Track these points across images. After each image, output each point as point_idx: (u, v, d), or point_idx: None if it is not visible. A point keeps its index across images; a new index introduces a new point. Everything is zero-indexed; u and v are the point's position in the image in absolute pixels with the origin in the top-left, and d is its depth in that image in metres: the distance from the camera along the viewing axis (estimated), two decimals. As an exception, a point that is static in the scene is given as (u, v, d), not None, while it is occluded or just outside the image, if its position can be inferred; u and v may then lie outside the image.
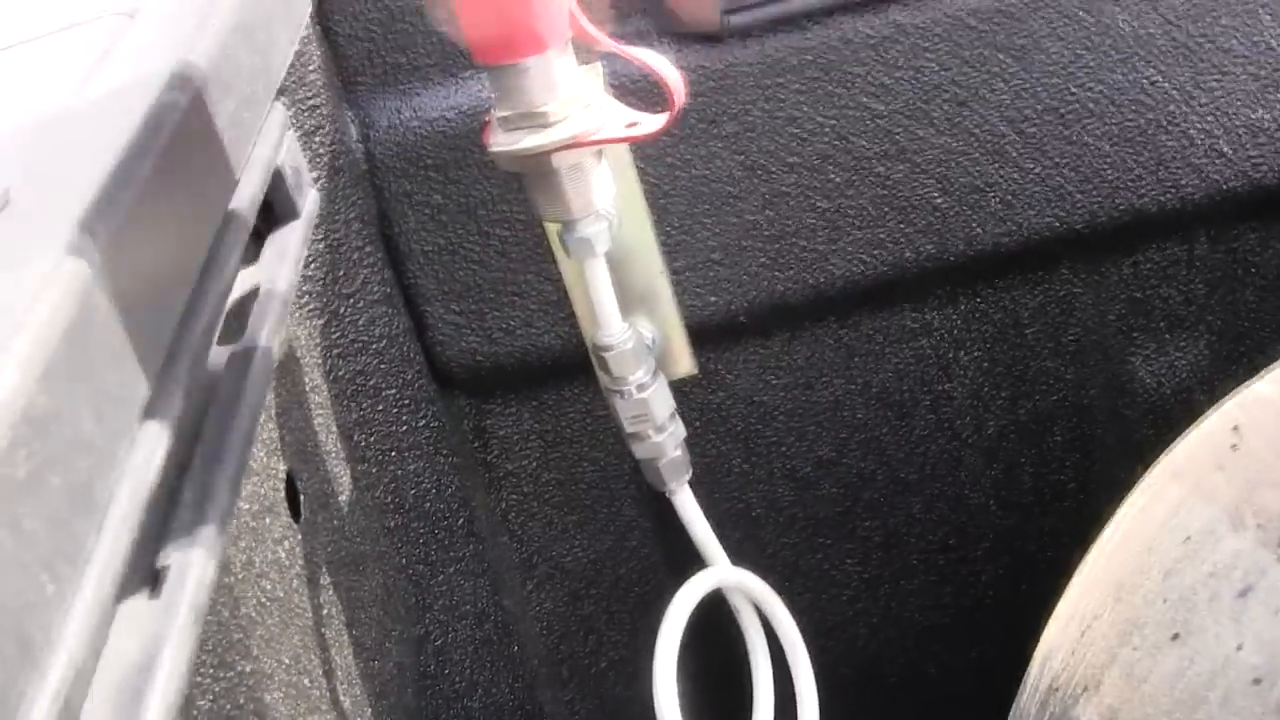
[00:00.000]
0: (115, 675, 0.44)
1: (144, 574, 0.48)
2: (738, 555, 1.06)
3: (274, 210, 0.72)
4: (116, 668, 0.44)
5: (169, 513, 0.52)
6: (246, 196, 0.66)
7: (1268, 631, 0.61)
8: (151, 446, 0.48)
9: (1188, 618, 0.65)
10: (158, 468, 0.48)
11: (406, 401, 0.98)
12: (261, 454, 0.72)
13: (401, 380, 0.97)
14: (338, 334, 0.92)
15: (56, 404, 0.41)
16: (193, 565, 0.48)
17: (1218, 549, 0.66)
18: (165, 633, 0.45)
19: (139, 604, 0.47)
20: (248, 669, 0.66)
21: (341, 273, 0.93)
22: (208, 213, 0.60)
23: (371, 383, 0.95)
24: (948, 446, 1.15)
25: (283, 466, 0.77)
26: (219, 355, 0.61)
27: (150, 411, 0.49)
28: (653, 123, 0.85)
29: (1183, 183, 1.02)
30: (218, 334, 0.61)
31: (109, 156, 0.52)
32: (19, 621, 0.37)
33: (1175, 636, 0.65)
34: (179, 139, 0.56)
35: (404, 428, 0.98)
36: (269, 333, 0.63)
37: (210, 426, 0.56)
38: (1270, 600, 0.62)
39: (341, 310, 0.93)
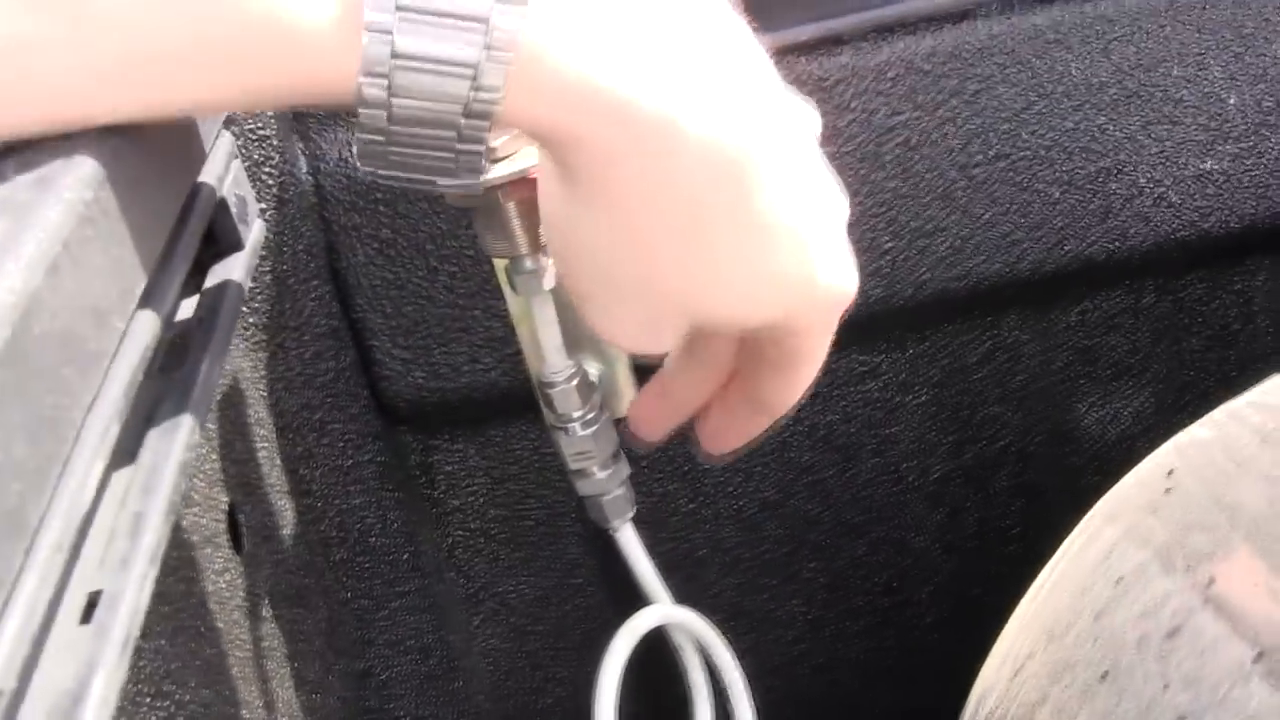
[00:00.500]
0: (45, 702, 0.43)
1: (75, 601, 0.48)
2: (682, 595, 1.06)
3: (218, 240, 0.72)
4: (47, 694, 0.44)
5: (103, 540, 0.51)
6: (190, 225, 0.66)
7: (1194, 672, 0.62)
8: (84, 472, 0.48)
9: (1117, 658, 0.66)
10: (90, 493, 0.48)
11: (352, 436, 0.98)
12: (203, 485, 0.72)
13: (347, 414, 0.97)
14: (283, 367, 0.92)
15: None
16: (125, 592, 0.48)
17: (1148, 590, 0.67)
18: (97, 660, 0.45)
19: (69, 631, 0.47)
20: (185, 699, 0.66)
21: (288, 305, 0.93)
22: (150, 240, 0.60)
23: (317, 416, 0.95)
24: (893, 490, 1.16)
25: (225, 498, 0.77)
26: (158, 384, 0.61)
27: (84, 436, 0.49)
28: (600, 161, 0.85)
29: (1130, 231, 1.03)
30: (158, 363, 0.61)
31: (47, 177, 0.52)
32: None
33: (1104, 676, 0.66)
34: (121, 163, 0.56)
35: (349, 462, 0.98)
36: (209, 364, 0.63)
37: (147, 454, 0.56)
38: (1197, 641, 0.63)
39: (287, 343, 0.93)
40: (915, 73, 0.97)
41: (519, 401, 1.04)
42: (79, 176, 0.53)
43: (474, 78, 0.51)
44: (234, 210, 0.73)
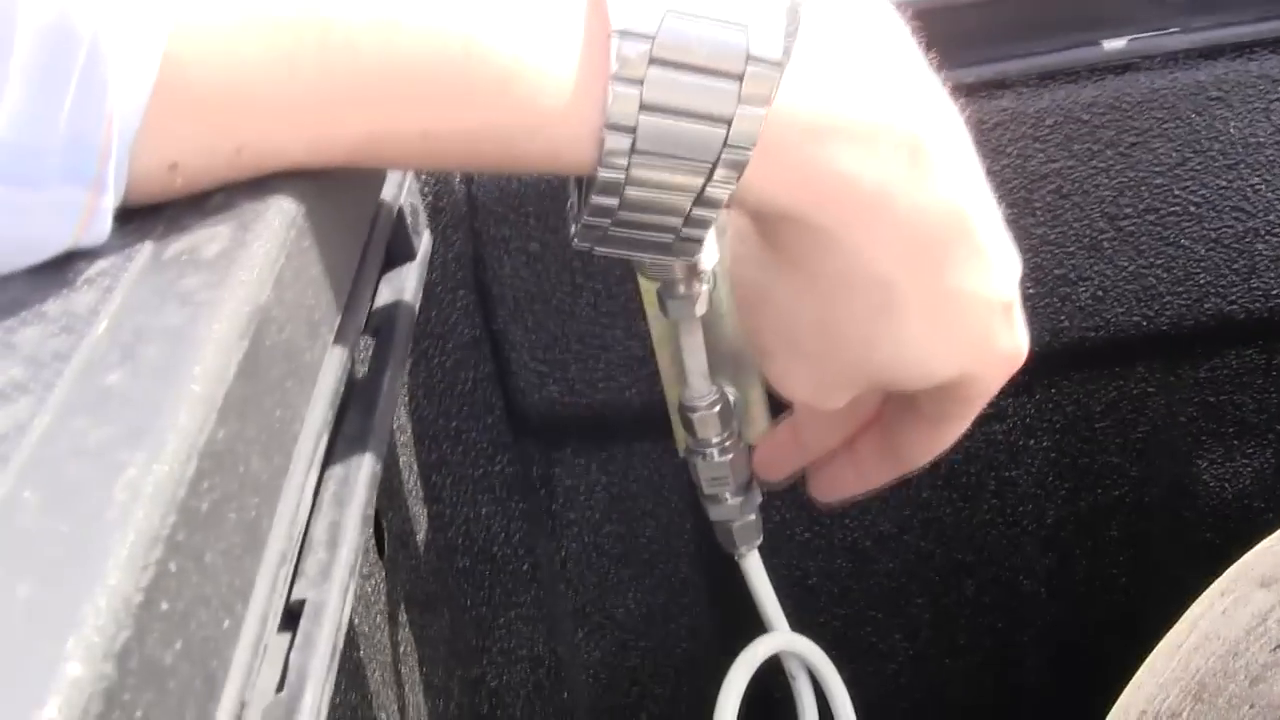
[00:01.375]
0: (258, 711, 0.44)
1: (276, 607, 0.49)
2: (790, 621, 1.07)
3: (392, 249, 0.73)
4: (260, 702, 0.44)
5: (299, 547, 0.52)
6: (377, 235, 0.67)
7: (1364, 750, 0.62)
8: (301, 484, 0.49)
9: (1279, 728, 0.66)
10: (307, 506, 0.49)
11: (485, 445, 0.98)
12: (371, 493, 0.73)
13: (482, 424, 0.98)
14: (425, 374, 0.93)
15: (231, 439, 0.42)
16: (329, 602, 0.49)
17: (1312, 663, 0.67)
18: (306, 668, 0.46)
19: (276, 639, 0.48)
20: (337, 701, 0.66)
21: (433, 313, 0.93)
22: (349, 250, 0.61)
23: (453, 425, 0.96)
24: (1008, 532, 1.16)
25: (373, 503, 0.77)
26: (345, 394, 0.61)
27: (299, 450, 0.49)
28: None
29: (1273, 292, 1.03)
30: (348, 371, 0.61)
31: (264, 186, 0.53)
32: (205, 656, 0.38)
33: (1264, 745, 0.66)
34: (326, 173, 0.57)
35: (480, 471, 0.99)
36: (392, 373, 0.64)
37: (338, 465, 0.57)
38: (1367, 719, 0.62)
39: (430, 351, 0.93)
40: (1073, 121, 0.97)
41: (646, 422, 1.05)
42: (292, 189, 0.54)
43: (710, 170, 0.51)
44: (409, 220, 0.74)
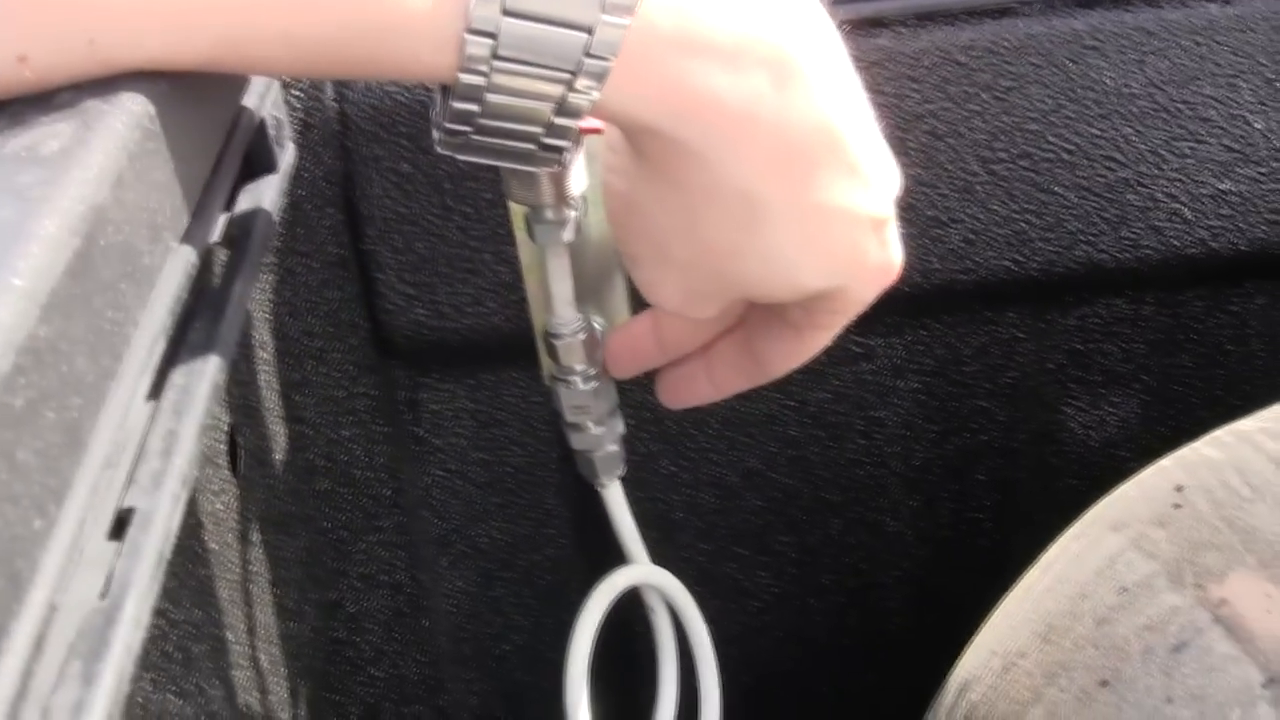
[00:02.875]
0: (78, 617, 0.43)
1: (105, 515, 0.48)
2: (654, 555, 1.07)
3: (253, 161, 0.72)
4: (80, 609, 0.43)
5: (131, 458, 0.51)
6: (235, 145, 0.65)
7: (1200, 689, 0.62)
8: (132, 388, 0.48)
9: (1119, 666, 0.66)
10: (136, 412, 0.48)
11: (348, 367, 0.97)
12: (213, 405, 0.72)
13: (346, 345, 0.97)
14: (289, 292, 0.92)
15: (54, 337, 0.41)
16: (158, 512, 0.48)
17: (1154, 603, 0.67)
18: (130, 577, 0.45)
19: (98, 545, 0.47)
20: (179, 618, 0.66)
21: (300, 231, 0.92)
22: (202, 158, 0.60)
23: (317, 344, 0.94)
24: (874, 472, 1.16)
25: (227, 419, 0.76)
26: (192, 301, 0.60)
27: (132, 354, 0.48)
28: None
29: (1141, 242, 1.03)
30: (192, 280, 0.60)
31: (112, 89, 0.52)
32: (9, 555, 0.37)
33: (1104, 683, 0.66)
34: (180, 80, 0.56)
35: (342, 392, 0.97)
36: (241, 285, 0.62)
37: (179, 375, 0.56)
38: (1204, 659, 0.63)
39: (296, 269, 0.92)
40: (950, 64, 0.97)
41: (515, 349, 1.04)
42: (143, 90, 0.53)
43: (571, 78, 0.51)
44: (271, 132, 0.72)
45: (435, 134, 0.56)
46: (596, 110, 0.53)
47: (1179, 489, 0.73)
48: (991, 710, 0.73)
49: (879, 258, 0.62)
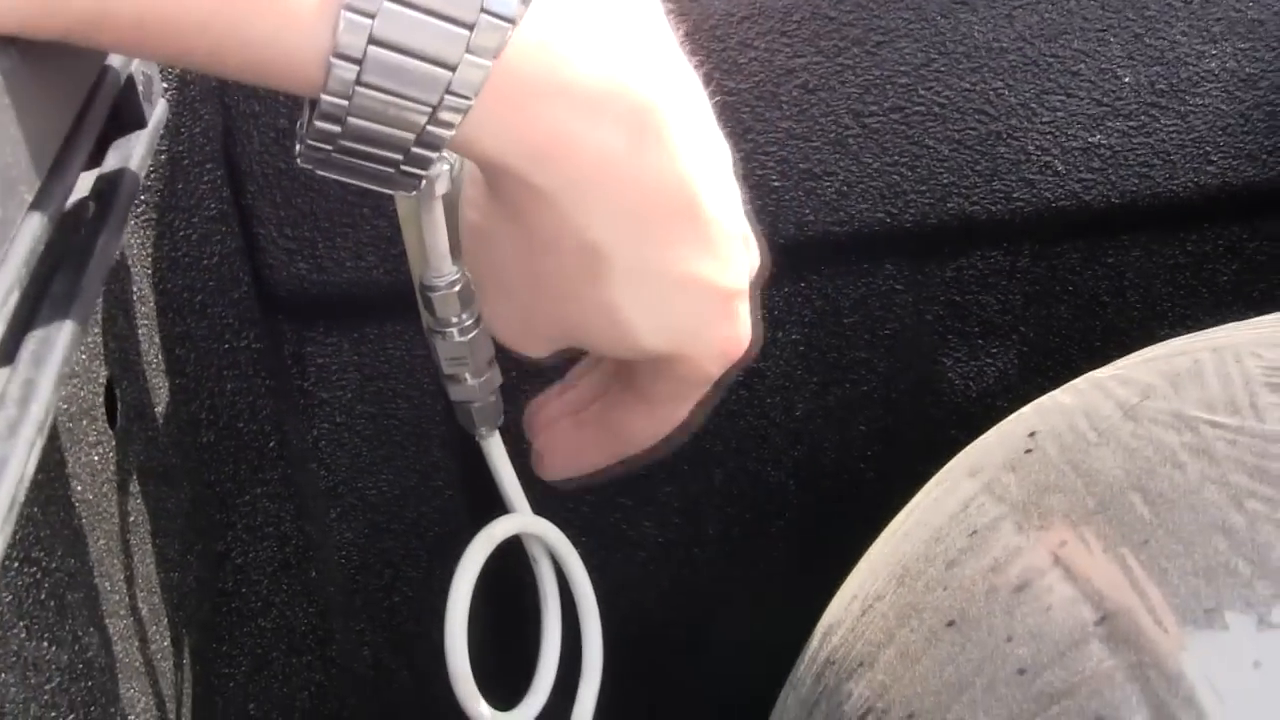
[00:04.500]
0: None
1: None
2: (539, 508, 1.08)
3: (122, 116, 0.72)
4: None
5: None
6: (99, 100, 0.66)
7: (1038, 628, 0.64)
8: (-17, 338, 0.49)
9: (965, 607, 0.68)
10: (-11, 359, 0.49)
11: (230, 321, 0.98)
12: (84, 357, 0.73)
13: (228, 299, 0.98)
14: (169, 247, 0.92)
15: (-102, 285, 0.42)
16: (13, 459, 0.49)
17: (1000, 545, 0.69)
18: (-20, 522, 0.46)
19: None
20: (52, 566, 0.66)
21: (180, 186, 0.93)
22: (60, 112, 0.60)
23: (198, 299, 0.95)
24: (755, 423, 1.18)
25: (104, 372, 0.77)
26: (54, 256, 0.61)
27: (-15, 302, 0.49)
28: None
29: (1014, 195, 1.05)
30: (56, 235, 0.61)
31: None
32: None
33: (950, 623, 0.68)
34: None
35: (225, 346, 0.98)
36: (106, 239, 0.63)
37: (40, 325, 0.56)
38: (1043, 599, 0.65)
39: (176, 224, 0.93)
40: (820, 18, 0.99)
41: (398, 302, 1.05)
42: (-3, 44, 0.53)
43: (432, 111, 0.52)
44: (140, 88, 0.73)
45: (297, 147, 0.56)
46: (455, 143, 0.54)
47: (1032, 434, 0.75)
48: (849, 652, 0.75)
49: (725, 331, 0.62)
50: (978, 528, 0.71)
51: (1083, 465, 0.70)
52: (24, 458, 0.49)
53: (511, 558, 1.04)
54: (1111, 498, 0.67)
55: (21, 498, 0.48)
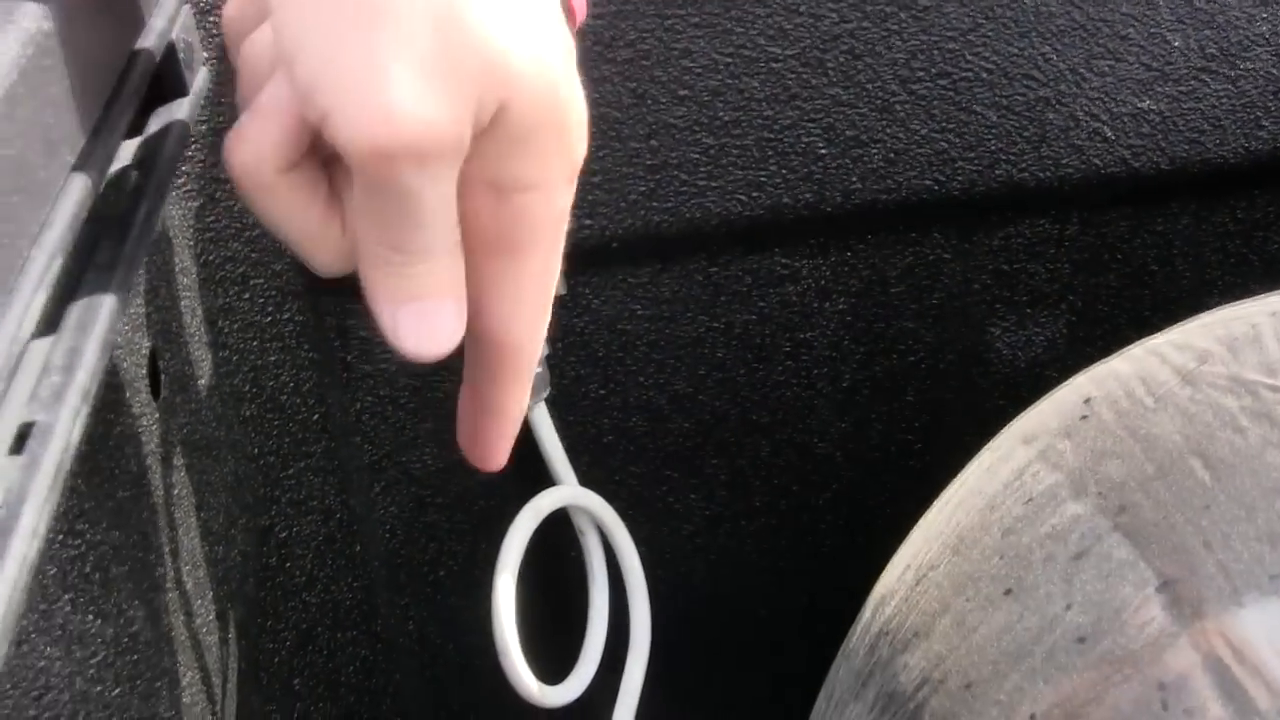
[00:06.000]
0: (-29, 528, 0.44)
1: (6, 431, 0.48)
2: (585, 479, 1.08)
3: (163, 84, 0.71)
4: (-26, 520, 0.44)
5: (35, 373, 0.51)
6: (139, 66, 0.65)
7: (1096, 595, 0.63)
8: (26, 303, 0.48)
9: (1022, 575, 0.67)
10: (31, 326, 0.48)
11: (273, 293, 0.98)
12: (128, 328, 0.72)
13: (270, 271, 0.97)
14: (212, 218, 0.92)
15: (-59, 249, 0.41)
16: (58, 426, 0.48)
17: (1058, 512, 0.68)
18: (26, 490, 0.45)
19: (3, 461, 0.47)
20: (96, 539, 0.66)
21: (221, 156, 0.92)
22: (102, 77, 0.60)
23: (240, 270, 0.95)
24: (802, 394, 1.17)
25: (147, 343, 0.77)
26: (97, 224, 0.60)
27: (28, 268, 0.49)
28: (550, 40, 0.85)
29: (1063, 161, 1.04)
30: (99, 202, 0.60)
31: (5, 6, 0.52)
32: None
33: (1008, 592, 0.67)
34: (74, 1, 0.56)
35: (268, 319, 0.98)
36: (148, 208, 0.63)
37: (84, 292, 0.56)
38: (1102, 565, 0.64)
39: (217, 195, 0.92)
40: None
41: (442, 274, 1.05)
42: (38, 7, 0.53)
43: None
44: (181, 55, 0.72)
45: None
46: None
47: (1087, 401, 0.74)
48: (903, 623, 0.74)
49: (378, 96, 0.47)
50: (1033, 495, 0.70)
51: (1140, 431, 0.69)
52: (69, 425, 0.49)
53: (556, 531, 1.04)
54: (1171, 463, 0.66)
55: (68, 466, 0.48)
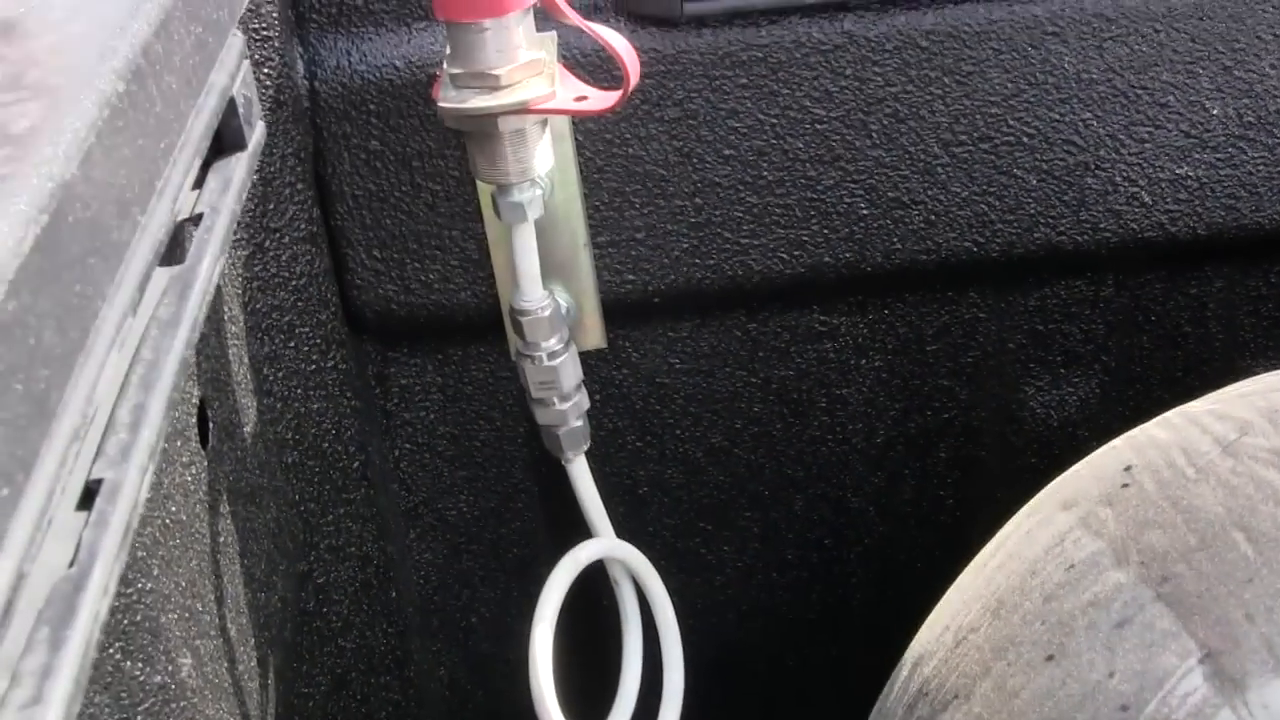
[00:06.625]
0: (45, 584, 0.44)
1: (75, 487, 0.49)
2: (620, 530, 1.08)
3: (223, 138, 0.73)
4: (47, 576, 0.45)
5: (100, 430, 0.52)
6: (203, 122, 0.66)
7: (1140, 664, 0.64)
8: (99, 361, 0.49)
9: (1064, 641, 0.68)
10: (106, 385, 0.49)
11: (318, 341, 0.99)
12: (181, 379, 0.73)
13: (315, 320, 0.98)
14: (260, 267, 0.93)
15: (22, 311, 0.42)
16: (125, 483, 0.49)
17: (1100, 580, 0.68)
18: (98, 547, 0.46)
19: (67, 515, 0.48)
20: (148, 587, 0.67)
21: (271, 206, 0.93)
22: (169, 134, 0.61)
23: (286, 319, 0.96)
24: (837, 449, 1.17)
25: (197, 392, 0.78)
26: (160, 277, 0.61)
27: (101, 327, 0.50)
28: (602, 100, 0.86)
29: (1100, 225, 1.05)
30: (159, 258, 0.61)
31: (79, 66, 0.53)
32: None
33: (1050, 658, 0.68)
34: (146, 58, 0.57)
35: (312, 367, 0.99)
36: (210, 261, 0.64)
37: (147, 347, 0.57)
38: (1145, 635, 0.65)
39: (266, 244, 0.93)
40: (912, 47, 0.98)
41: (483, 324, 1.06)
42: (113, 68, 0.54)
43: None
44: (241, 110, 0.74)
45: None
46: None
47: (1128, 469, 0.74)
48: (943, 684, 0.74)
49: None
50: (1075, 562, 0.71)
51: (1182, 501, 0.69)
52: (137, 484, 0.50)
53: (590, 578, 1.05)
54: (1213, 535, 0.66)
55: (135, 524, 0.49)
